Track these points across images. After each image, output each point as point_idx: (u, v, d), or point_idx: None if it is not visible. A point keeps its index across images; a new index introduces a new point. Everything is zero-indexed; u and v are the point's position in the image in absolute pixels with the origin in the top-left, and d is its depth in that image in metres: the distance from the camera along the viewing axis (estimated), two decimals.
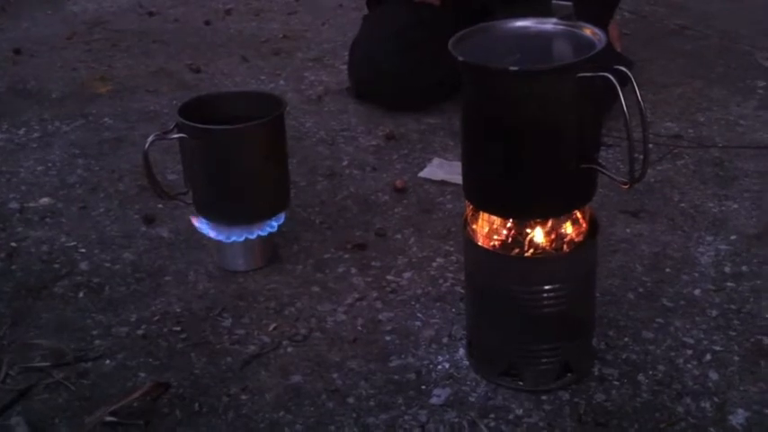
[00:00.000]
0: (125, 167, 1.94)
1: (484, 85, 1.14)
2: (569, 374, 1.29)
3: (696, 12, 2.84)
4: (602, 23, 1.90)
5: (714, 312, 1.44)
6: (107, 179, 1.91)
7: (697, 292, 1.49)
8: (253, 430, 1.23)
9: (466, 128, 1.20)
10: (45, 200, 1.82)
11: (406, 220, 1.73)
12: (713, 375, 1.31)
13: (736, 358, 1.34)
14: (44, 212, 1.79)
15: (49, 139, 2.11)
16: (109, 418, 1.23)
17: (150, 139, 1.43)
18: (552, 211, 1.20)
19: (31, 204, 1.82)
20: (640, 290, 1.50)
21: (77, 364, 1.36)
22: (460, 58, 1.12)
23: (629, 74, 1.10)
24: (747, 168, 1.88)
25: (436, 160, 1.93)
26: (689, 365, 1.33)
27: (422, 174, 1.89)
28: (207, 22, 2.88)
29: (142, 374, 1.33)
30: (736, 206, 1.74)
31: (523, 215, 1.21)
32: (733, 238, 1.64)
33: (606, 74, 1.07)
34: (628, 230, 1.67)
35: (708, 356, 1.34)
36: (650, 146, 1.13)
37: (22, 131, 2.15)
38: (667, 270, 1.55)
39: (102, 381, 1.32)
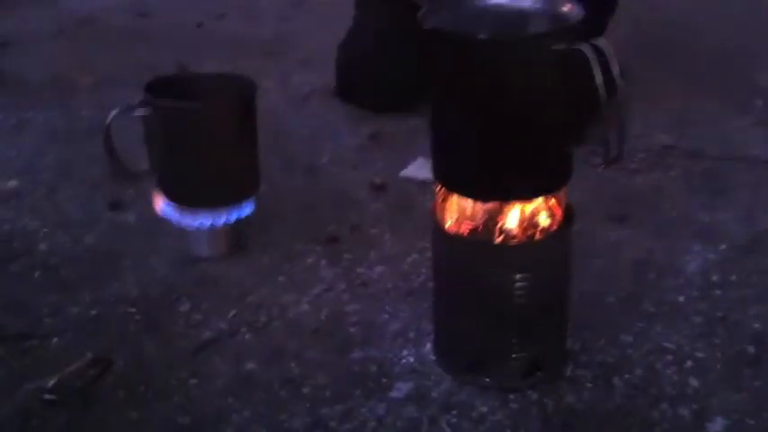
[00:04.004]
0: (97, 155, 1.87)
1: (452, 56, 1.08)
2: (538, 373, 1.22)
3: (690, 30, 2.79)
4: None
5: (698, 319, 1.37)
6: (78, 165, 1.85)
7: (681, 298, 1.42)
8: (198, 415, 1.16)
9: (433, 104, 1.15)
10: (12, 182, 1.77)
11: (382, 217, 1.67)
12: (693, 382, 1.23)
13: (719, 366, 1.26)
14: (9, 194, 1.74)
15: (23, 126, 2.06)
16: (48, 396, 1.16)
17: (112, 114, 1.38)
18: (524, 192, 1.13)
19: None
20: (622, 294, 1.43)
21: (23, 341, 1.29)
22: (428, 27, 1.07)
23: (605, 48, 1.04)
24: (739, 180, 1.81)
25: (420, 159, 1.87)
26: (668, 371, 1.25)
27: (404, 172, 1.83)
28: (199, 25, 2.84)
29: (89, 354, 1.26)
30: (726, 216, 1.67)
31: (491, 196, 1.14)
32: (722, 247, 1.56)
33: (580, 46, 1.02)
34: (612, 236, 1.60)
35: (689, 363, 1.27)
36: (627, 126, 1.07)
37: None
38: (651, 276, 1.48)
39: (45, 358, 1.26)
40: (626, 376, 1.24)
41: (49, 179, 1.81)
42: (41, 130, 2.04)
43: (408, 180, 1.81)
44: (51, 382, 1.18)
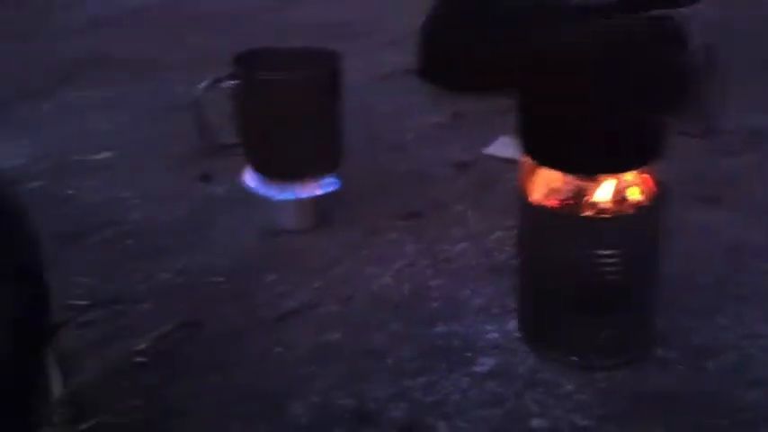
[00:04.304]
0: (187, 129, 1.92)
1: (543, 24, 1.06)
2: (627, 353, 1.19)
3: None
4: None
5: None
6: (168, 139, 1.89)
7: None
8: (283, 381, 1.17)
9: (524, 77, 1.13)
10: (106, 154, 1.82)
11: (465, 194, 1.66)
12: None
13: None
14: (104, 165, 1.79)
15: (117, 101, 2.13)
16: (138, 358, 1.19)
17: (203, 84, 1.41)
18: (615, 166, 1.11)
19: (92, 157, 1.82)
20: (715, 276, 1.38)
21: (115, 305, 1.33)
22: None
23: (699, 16, 1.00)
24: None
25: (503, 138, 1.85)
26: (762, 356, 1.21)
27: (487, 150, 1.82)
28: (281, 7, 2.88)
29: (178, 319, 1.29)
30: None
31: (583, 170, 1.11)
32: None
33: (673, 14, 0.98)
34: (705, 217, 1.55)
35: None
36: (723, 94, 1.03)
37: (92, 93, 2.18)
38: (746, 258, 1.43)
39: (136, 322, 1.29)
40: (718, 360, 1.20)
41: (140, 152, 1.86)
42: (133, 106, 2.10)
43: (492, 158, 1.79)
44: (142, 345, 1.21)
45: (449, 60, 2.10)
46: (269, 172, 1.49)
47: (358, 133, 1.85)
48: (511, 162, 1.75)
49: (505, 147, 1.82)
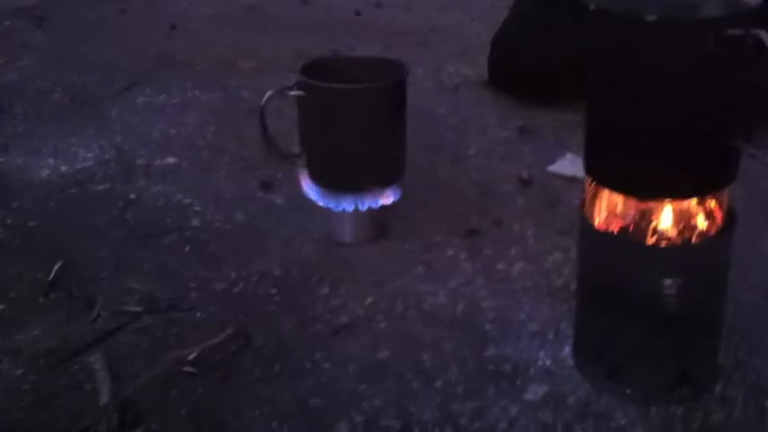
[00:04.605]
0: (253, 135, 1.93)
1: (614, 39, 1.02)
2: (685, 387, 1.14)
3: None
4: None
5: None
6: (234, 145, 1.91)
7: None
8: (331, 398, 1.16)
9: (591, 92, 1.09)
10: (171, 159, 1.85)
11: (526, 212, 1.62)
12: None
13: None
14: (168, 170, 1.81)
15: (185, 106, 2.15)
16: (188, 368, 1.20)
17: (268, 94, 1.41)
18: (682, 190, 1.06)
19: (157, 162, 1.85)
20: None
21: (169, 312, 1.34)
22: (592, 7, 1.01)
23: None
24: None
25: (569, 155, 1.81)
26: None
27: (551, 168, 1.78)
28: (357, 13, 2.88)
29: (230, 330, 1.29)
30: None
31: (648, 193, 1.07)
32: None
33: (758, 33, 0.93)
34: None
35: None
36: None
37: (162, 97, 2.21)
38: None
39: (188, 331, 1.30)
40: None
41: (205, 157, 1.87)
42: (202, 110, 2.12)
43: (556, 176, 1.75)
44: (192, 355, 1.22)
45: (520, 70, 2.07)
46: (329, 183, 1.48)
47: (420, 145, 1.84)
48: (575, 181, 1.72)
49: (571, 164, 1.77)
